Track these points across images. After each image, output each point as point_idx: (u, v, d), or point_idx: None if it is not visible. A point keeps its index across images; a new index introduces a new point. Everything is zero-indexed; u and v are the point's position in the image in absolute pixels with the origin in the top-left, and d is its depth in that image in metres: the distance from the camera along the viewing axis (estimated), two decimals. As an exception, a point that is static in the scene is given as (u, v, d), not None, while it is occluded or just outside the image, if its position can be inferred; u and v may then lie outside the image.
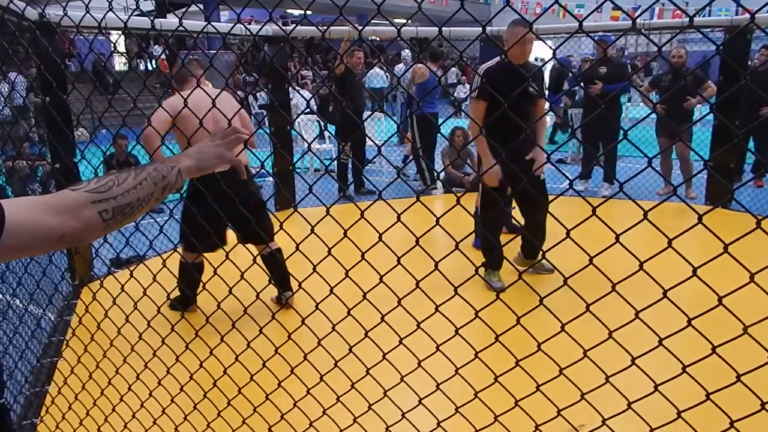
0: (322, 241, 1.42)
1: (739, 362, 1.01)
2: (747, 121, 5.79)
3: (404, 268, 1.37)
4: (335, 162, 7.27)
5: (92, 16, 1.72)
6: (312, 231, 1.37)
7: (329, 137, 8.65)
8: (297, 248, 1.42)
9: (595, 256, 1.07)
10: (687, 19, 0.94)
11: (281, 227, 1.42)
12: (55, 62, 3.58)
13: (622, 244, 1.04)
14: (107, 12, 1.59)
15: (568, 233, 1.07)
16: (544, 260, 3.90)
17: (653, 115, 6.34)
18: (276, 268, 3.40)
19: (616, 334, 1.14)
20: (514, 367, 1.32)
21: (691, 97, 5.87)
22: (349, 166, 7.03)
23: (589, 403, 1.26)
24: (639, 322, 1.07)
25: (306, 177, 7.38)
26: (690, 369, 1.09)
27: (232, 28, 4.65)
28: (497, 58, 3.56)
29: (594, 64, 6.60)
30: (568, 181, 7.30)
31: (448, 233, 1.32)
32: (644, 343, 1.16)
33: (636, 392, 1.19)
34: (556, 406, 1.26)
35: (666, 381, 1.17)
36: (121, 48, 15.26)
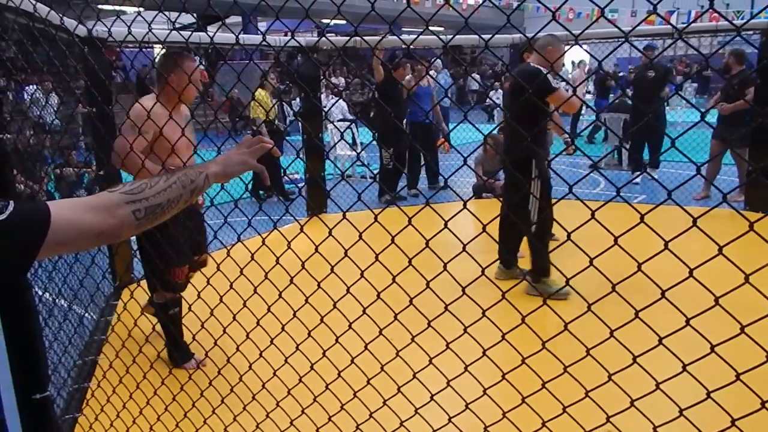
0: (368, 245, 1.47)
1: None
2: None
3: (418, 272, 1.40)
4: (368, 168, 7.36)
5: (132, 34, 1.83)
6: (359, 236, 1.42)
7: (360, 144, 8.69)
8: (345, 254, 1.47)
9: (644, 262, 1.08)
10: (723, 21, 0.95)
11: (329, 234, 1.48)
12: (100, 76, 3.73)
13: (672, 252, 1.05)
14: (149, 30, 1.68)
15: (615, 240, 1.09)
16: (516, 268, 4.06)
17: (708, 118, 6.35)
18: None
19: (666, 341, 1.15)
20: (553, 379, 1.33)
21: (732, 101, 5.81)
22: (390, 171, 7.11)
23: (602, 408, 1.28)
24: (686, 330, 1.08)
25: (340, 183, 7.48)
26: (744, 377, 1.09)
27: (288, 40, 4.74)
28: (537, 66, 3.62)
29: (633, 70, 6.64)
30: (603, 184, 7.24)
31: (456, 236, 1.35)
32: (693, 352, 1.17)
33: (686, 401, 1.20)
34: (606, 412, 1.28)
35: (717, 389, 1.18)
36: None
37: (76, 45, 3.48)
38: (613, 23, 1.33)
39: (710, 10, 1.01)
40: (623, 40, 1.15)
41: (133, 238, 2.40)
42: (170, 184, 1.07)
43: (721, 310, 1.01)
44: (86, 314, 3.61)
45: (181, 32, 1.94)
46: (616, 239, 1.09)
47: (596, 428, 1.32)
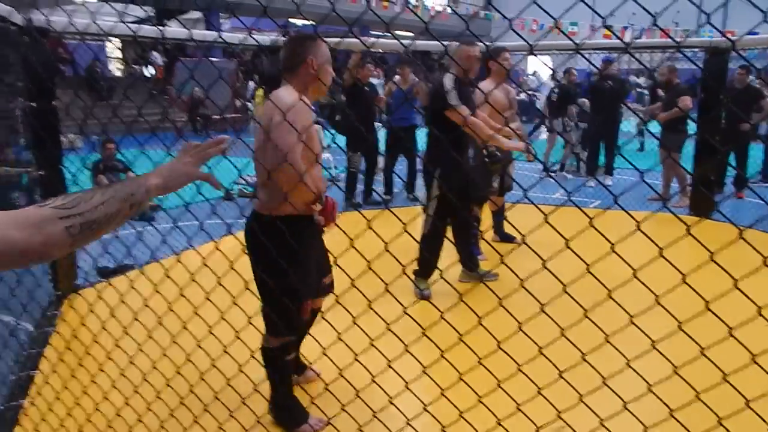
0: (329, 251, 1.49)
1: (726, 364, 1.08)
2: (728, 136, 6.05)
3: (376, 275, 1.43)
4: (329, 171, 7.34)
5: (72, 23, 1.74)
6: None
7: (331, 147, 8.67)
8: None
9: (592, 264, 1.14)
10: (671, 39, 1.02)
11: (287, 237, 1.49)
12: (42, 68, 3.41)
13: (618, 254, 1.11)
14: (115, 20, 1.64)
15: (566, 243, 1.14)
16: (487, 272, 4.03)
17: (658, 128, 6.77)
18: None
19: (611, 338, 1.21)
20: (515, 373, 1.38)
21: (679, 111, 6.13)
22: (360, 176, 7.09)
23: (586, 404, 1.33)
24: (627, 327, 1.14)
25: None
26: (672, 371, 1.16)
27: (244, 38, 4.68)
28: (451, 75, 3.58)
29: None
30: (560, 192, 7.44)
31: (415, 239, 1.38)
32: (636, 348, 1.23)
33: (627, 394, 1.26)
34: (557, 409, 1.33)
35: (657, 383, 1.25)
36: (118, 53, 15.28)
37: (12, 33, 3.23)
38: (567, 36, 1.39)
39: (662, 30, 1.07)
40: (576, 52, 1.21)
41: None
42: (108, 197, 0.99)
43: (679, 307, 1.06)
44: (20, 325, 3.30)
45: (128, 25, 1.89)
46: (567, 242, 1.14)
47: (547, 424, 1.37)
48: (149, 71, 16.00)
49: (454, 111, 3.45)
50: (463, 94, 3.48)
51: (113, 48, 15.80)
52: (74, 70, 13.78)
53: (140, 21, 15.31)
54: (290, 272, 1.85)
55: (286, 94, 2.05)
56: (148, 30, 4.91)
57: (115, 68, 16.92)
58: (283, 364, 2.21)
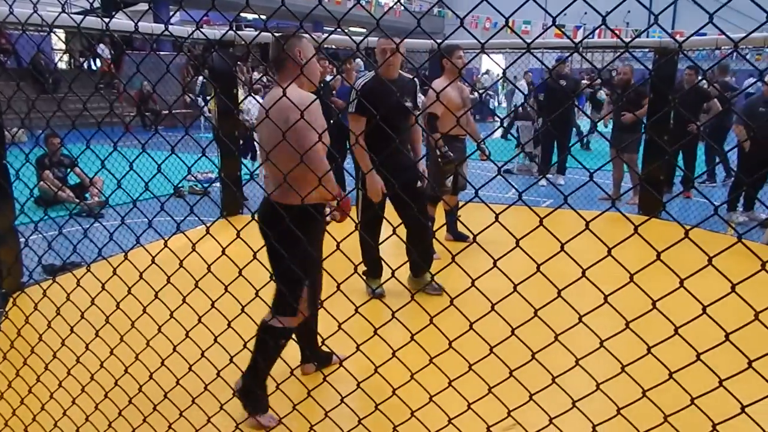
0: (280, 249, 1.45)
1: (672, 361, 1.09)
2: (676, 137, 6.20)
3: (329, 274, 1.41)
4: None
5: (12, 13, 1.69)
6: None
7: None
8: (254, 256, 1.44)
9: (542, 263, 1.13)
10: (620, 40, 1.03)
11: (238, 235, 1.45)
12: None
13: (567, 253, 1.11)
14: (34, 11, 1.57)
15: (517, 242, 1.14)
16: (433, 282, 3.82)
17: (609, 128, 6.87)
18: None
19: (561, 337, 1.21)
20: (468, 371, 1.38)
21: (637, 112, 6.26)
22: None
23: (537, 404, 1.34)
24: (577, 326, 1.15)
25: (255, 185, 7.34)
26: (622, 370, 1.17)
27: (192, 32, 4.56)
28: (372, 73, 3.58)
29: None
30: (514, 191, 7.55)
31: (369, 240, 1.36)
32: (585, 346, 1.24)
33: (575, 392, 1.27)
34: (506, 407, 1.33)
35: (605, 381, 1.26)
36: (62, 45, 14.74)
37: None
38: (518, 35, 1.39)
39: (612, 30, 1.07)
40: (527, 51, 1.21)
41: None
42: None
43: (627, 305, 1.07)
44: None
45: (71, 15, 1.82)
46: (517, 241, 1.13)
47: (498, 423, 1.37)
48: (96, 64, 15.48)
49: (352, 118, 3.48)
50: (378, 92, 3.40)
51: (57, 40, 15.25)
52: (17, 62, 13.21)
53: (86, 12, 14.79)
54: (308, 255, 1.99)
55: (295, 91, 2.08)
56: (93, 21, 4.74)
57: (61, 61, 16.32)
58: (276, 346, 2.26)
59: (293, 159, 1.79)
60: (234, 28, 2.11)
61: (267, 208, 2.23)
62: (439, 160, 4.24)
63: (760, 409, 1.07)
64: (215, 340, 1.57)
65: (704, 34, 6.71)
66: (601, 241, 1.08)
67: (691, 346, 1.08)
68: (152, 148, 1.62)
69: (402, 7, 18.30)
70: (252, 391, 2.25)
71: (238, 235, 1.44)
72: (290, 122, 1.95)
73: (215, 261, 1.52)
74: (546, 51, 6.79)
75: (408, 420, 1.48)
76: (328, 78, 7.15)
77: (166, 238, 1.65)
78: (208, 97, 12.38)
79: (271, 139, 2.13)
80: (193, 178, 7.48)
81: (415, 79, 3.81)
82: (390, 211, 3.29)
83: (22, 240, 3.85)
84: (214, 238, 1.48)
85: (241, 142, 7.41)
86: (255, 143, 8.05)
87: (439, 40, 1.57)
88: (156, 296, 1.57)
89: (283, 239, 1.97)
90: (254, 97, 7.00)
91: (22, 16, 3.38)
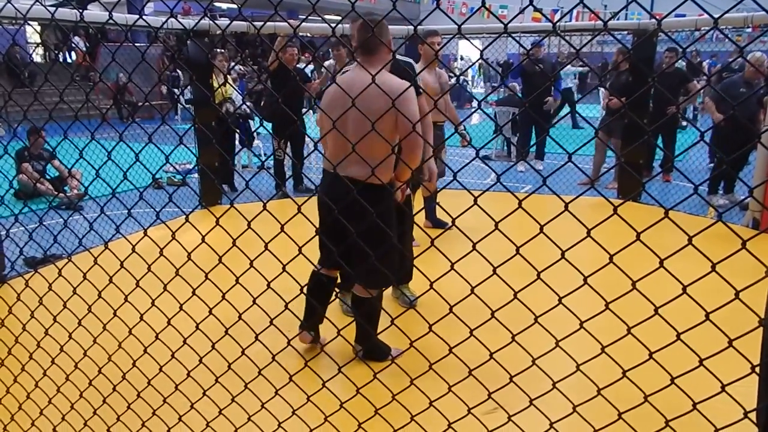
0: (259, 236, 1.43)
1: (652, 342, 1.10)
2: (655, 120, 6.24)
3: (309, 261, 1.40)
4: (259, 158, 7.19)
5: None
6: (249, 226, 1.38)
7: (259, 134, 8.48)
8: (234, 243, 1.42)
9: (521, 246, 1.13)
10: (601, 21, 1.02)
11: (217, 222, 1.43)
12: None
13: (546, 235, 1.11)
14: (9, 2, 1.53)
15: (496, 225, 1.13)
16: (406, 294, 3.64)
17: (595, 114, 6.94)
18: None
19: (541, 319, 1.21)
20: (447, 355, 1.38)
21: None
22: (287, 163, 6.96)
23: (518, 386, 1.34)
24: (558, 307, 1.15)
25: (243, 174, 7.27)
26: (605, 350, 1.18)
27: (165, 21, 4.48)
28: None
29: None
30: (493, 176, 7.58)
31: (348, 225, 1.36)
32: (565, 328, 1.25)
33: (558, 375, 1.27)
34: (487, 389, 1.33)
35: (585, 362, 1.27)
36: (37, 38, 14.45)
37: None
38: (498, 18, 1.38)
39: (592, 11, 1.07)
40: (504, 34, 1.19)
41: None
42: None
43: (607, 287, 1.07)
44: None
45: (46, 7, 1.77)
46: (496, 224, 1.13)
47: (479, 405, 1.37)
48: (71, 56, 15.19)
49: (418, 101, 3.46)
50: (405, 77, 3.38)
51: (32, 32, 14.94)
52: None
53: (60, 4, 14.47)
54: (394, 227, 2.19)
55: (388, 77, 2.30)
56: (66, 13, 4.63)
57: (36, 54, 15.99)
58: (377, 308, 2.51)
59: (388, 140, 2.12)
60: (209, 17, 2.07)
61: (342, 187, 2.18)
62: None
63: (739, 389, 1.09)
64: (197, 327, 1.56)
65: (683, 15, 6.75)
66: (580, 222, 1.08)
67: (671, 325, 1.09)
68: (129, 139, 1.60)
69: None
70: (375, 347, 2.50)
71: (217, 223, 1.42)
72: (402, 106, 2.19)
73: (194, 249, 1.50)
74: (524, 35, 6.78)
75: (372, 417, 1.49)
76: (303, 65, 7.08)
77: (145, 228, 1.63)
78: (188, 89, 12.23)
79: (366, 122, 2.12)
80: (172, 169, 7.39)
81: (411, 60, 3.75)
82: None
83: (3, 232, 3.80)
84: (195, 227, 1.46)
85: (237, 131, 7.34)
86: (252, 132, 8.00)
87: (415, 24, 1.55)
88: (137, 285, 1.56)
89: (380, 216, 2.13)
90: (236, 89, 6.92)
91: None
